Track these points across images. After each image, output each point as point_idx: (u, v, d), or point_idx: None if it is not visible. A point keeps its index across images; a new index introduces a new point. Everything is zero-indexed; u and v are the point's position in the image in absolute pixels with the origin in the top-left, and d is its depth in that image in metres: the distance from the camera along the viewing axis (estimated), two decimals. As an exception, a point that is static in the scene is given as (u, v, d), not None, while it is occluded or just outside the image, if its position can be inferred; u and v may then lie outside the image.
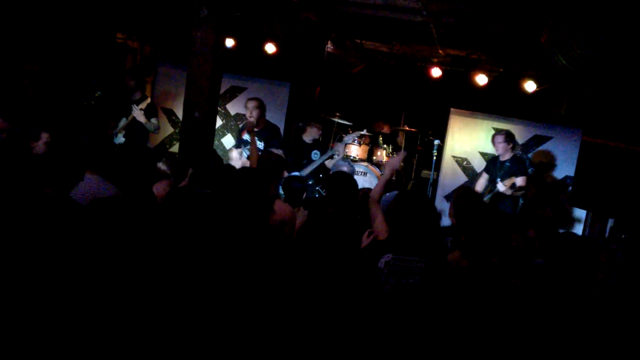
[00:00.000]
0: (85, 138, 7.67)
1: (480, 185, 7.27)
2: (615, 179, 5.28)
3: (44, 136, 5.31)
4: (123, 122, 7.36)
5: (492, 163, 7.26)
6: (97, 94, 7.87)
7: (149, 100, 7.47)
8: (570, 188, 7.64)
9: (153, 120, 7.39)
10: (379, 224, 3.82)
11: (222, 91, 8.37)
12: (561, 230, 7.26)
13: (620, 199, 5.30)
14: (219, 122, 8.74)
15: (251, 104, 7.01)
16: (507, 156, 7.05)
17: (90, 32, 8.50)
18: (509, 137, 7.06)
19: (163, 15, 8.14)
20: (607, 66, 4.13)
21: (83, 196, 3.65)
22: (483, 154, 8.17)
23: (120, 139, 7.36)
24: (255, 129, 6.86)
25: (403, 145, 9.32)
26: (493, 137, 7.19)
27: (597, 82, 5.24)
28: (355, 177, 6.79)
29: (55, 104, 7.90)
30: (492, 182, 7.06)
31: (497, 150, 7.13)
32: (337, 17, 7.47)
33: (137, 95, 7.43)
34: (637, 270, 3.91)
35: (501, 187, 6.78)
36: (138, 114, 7.24)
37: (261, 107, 7.02)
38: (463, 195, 4.87)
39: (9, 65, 7.58)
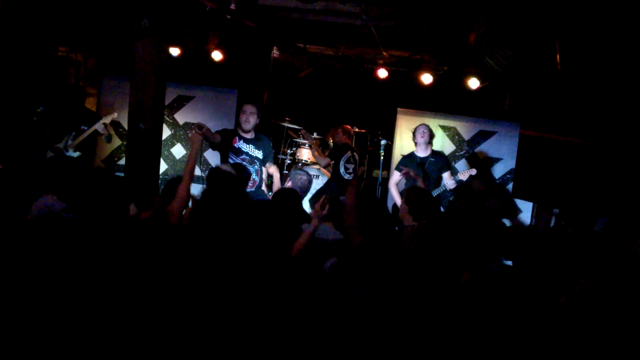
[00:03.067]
0: (25, 155, 7.61)
1: (393, 187, 6.98)
2: (553, 170, 5.46)
3: None
4: (72, 137, 7.29)
5: (410, 161, 6.93)
6: (38, 110, 7.72)
7: (115, 114, 7.46)
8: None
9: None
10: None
11: (168, 101, 8.34)
12: (508, 223, 7.47)
13: (560, 189, 5.48)
14: (167, 132, 8.68)
15: (250, 108, 6.29)
16: (426, 152, 6.87)
17: (31, 45, 8.35)
18: (430, 130, 6.90)
19: (106, 27, 8.06)
20: (527, 66, 4.29)
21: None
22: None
23: (72, 153, 7.28)
24: (248, 136, 6.31)
25: (353, 146, 9.40)
26: (417, 128, 6.91)
27: (524, 79, 5.43)
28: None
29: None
30: (414, 180, 6.61)
31: (417, 139, 6.84)
32: (280, 24, 7.52)
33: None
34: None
35: (450, 183, 6.66)
36: (102, 128, 7.22)
37: (258, 115, 6.36)
38: (415, 193, 4.92)
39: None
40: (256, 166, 6.32)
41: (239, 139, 6.30)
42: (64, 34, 8.72)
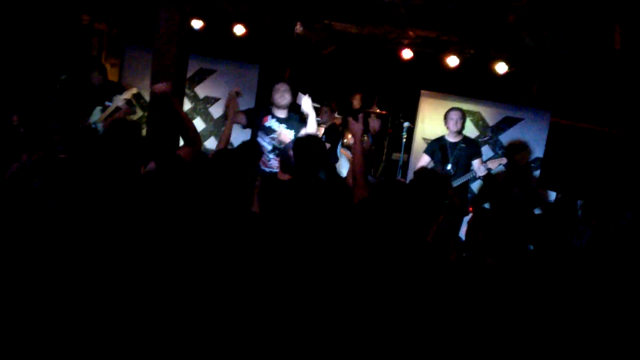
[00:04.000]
0: (55, 127, 7.59)
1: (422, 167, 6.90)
2: (583, 161, 5.30)
3: (14, 119, 5.22)
4: (98, 111, 7.26)
5: (438, 145, 6.81)
6: (62, 77, 7.70)
7: (134, 90, 7.39)
8: (539, 170, 7.68)
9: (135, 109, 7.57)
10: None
11: (190, 74, 8.27)
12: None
13: (589, 180, 5.33)
14: (187, 105, 8.62)
15: (284, 86, 6.04)
16: (457, 137, 6.76)
17: (55, 14, 8.30)
18: (464, 115, 6.77)
19: (129, -3, 7.98)
20: (573, 47, 4.12)
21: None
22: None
23: (102, 129, 7.27)
24: (282, 115, 6.02)
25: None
26: (449, 114, 6.76)
27: (564, 64, 5.25)
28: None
29: (21, 88, 7.74)
30: (441, 165, 6.67)
31: (450, 126, 6.71)
32: (305, -1, 7.37)
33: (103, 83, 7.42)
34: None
35: (481, 170, 6.51)
36: (122, 104, 7.21)
37: (292, 93, 6.03)
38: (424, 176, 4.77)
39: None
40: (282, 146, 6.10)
41: (272, 117, 6.01)
42: (88, 3, 8.65)
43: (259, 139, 5.97)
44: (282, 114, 6.02)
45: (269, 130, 5.97)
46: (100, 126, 7.27)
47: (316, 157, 4.28)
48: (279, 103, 5.96)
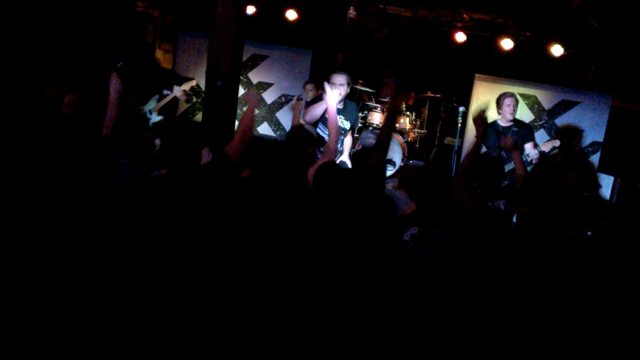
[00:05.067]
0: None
1: None
2: (644, 145, 5.18)
3: (69, 97, 5.31)
4: (154, 100, 7.38)
5: (491, 129, 6.56)
6: (118, 64, 7.86)
7: (194, 82, 7.46)
8: (597, 154, 7.52)
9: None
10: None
11: (243, 59, 8.35)
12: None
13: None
14: (241, 91, 8.70)
15: (340, 79, 5.90)
16: (509, 122, 6.57)
17: (111, 1, 8.48)
18: (516, 100, 6.57)
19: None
20: (636, 29, 4.01)
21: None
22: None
23: (155, 117, 7.41)
24: (338, 107, 5.85)
25: (426, 112, 9.21)
26: (503, 99, 6.56)
27: (627, 47, 5.11)
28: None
29: (79, 75, 7.93)
30: (493, 152, 6.46)
31: (506, 114, 6.53)
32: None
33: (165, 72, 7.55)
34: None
35: (533, 154, 6.31)
36: (181, 95, 7.27)
37: (349, 84, 5.95)
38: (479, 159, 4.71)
39: (39, 40, 7.62)
40: (342, 137, 6.02)
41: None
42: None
43: (318, 130, 5.97)
44: (339, 105, 5.92)
45: (326, 122, 5.82)
46: (154, 114, 7.40)
47: None
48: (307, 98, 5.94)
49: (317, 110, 5.82)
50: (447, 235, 3.27)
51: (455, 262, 3.19)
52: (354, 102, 6.33)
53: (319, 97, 6.12)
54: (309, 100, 7.24)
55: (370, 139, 5.24)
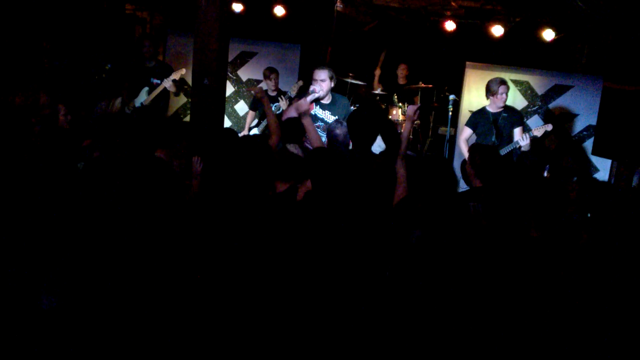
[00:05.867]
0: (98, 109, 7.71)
1: (463, 143, 6.71)
2: (638, 125, 5.11)
3: (61, 108, 5.27)
4: (145, 92, 7.29)
5: (481, 116, 6.61)
6: (107, 67, 7.80)
7: (183, 71, 7.33)
8: (592, 137, 7.45)
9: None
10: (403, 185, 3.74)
11: (232, 57, 8.30)
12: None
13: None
14: (230, 89, 8.65)
15: (321, 74, 5.72)
16: (499, 108, 6.52)
17: (100, 3, 8.44)
18: (508, 89, 6.54)
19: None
20: (626, 8, 3.94)
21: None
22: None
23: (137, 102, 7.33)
24: (324, 102, 5.83)
25: (418, 102, 9.12)
26: (497, 87, 6.46)
27: (616, 27, 5.03)
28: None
29: (68, 78, 7.88)
30: (485, 138, 6.50)
31: (498, 102, 6.47)
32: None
33: (152, 63, 7.35)
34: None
35: (523, 140, 6.26)
36: (170, 85, 7.17)
37: (332, 78, 5.77)
38: (480, 152, 4.62)
39: (28, 45, 7.57)
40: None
41: (316, 105, 5.84)
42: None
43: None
44: (325, 100, 5.84)
45: (315, 119, 5.77)
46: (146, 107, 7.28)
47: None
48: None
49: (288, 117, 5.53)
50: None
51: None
52: (344, 97, 6.20)
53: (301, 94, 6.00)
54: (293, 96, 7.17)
55: (337, 129, 5.03)
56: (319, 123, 5.81)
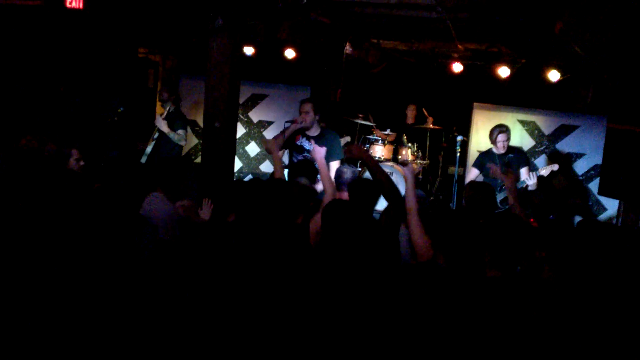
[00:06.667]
0: (114, 154, 7.85)
1: (472, 180, 6.63)
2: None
3: (74, 153, 5.36)
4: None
5: (488, 158, 6.70)
6: (119, 110, 7.97)
7: (170, 108, 7.38)
8: (599, 177, 7.49)
9: (179, 131, 7.27)
10: (421, 240, 3.61)
11: (243, 99, 8.46)
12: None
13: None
14: (242, 131, 8.80)
15: (303, 107, 6.01)
16: (505, 149, 6.65)
17: (113, 48, 8.66)
18: (509, 133, 6.66)
19: (183, 28, 8.23)
20: (620, 52, 4.05)
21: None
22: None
23: (147, 149, 7.41)
24: (311, 133, 6.07)
25: (428, 143, 9.21)
26: (496, 135, 6.64)
27: (617, 69, 5.14)
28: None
29: (81, 122, 8.05)
30: (491, 179, 6.48)
31: (498, 148, 6.65)
32: (353, 19, 7.45)
33: (168, 107, 7.43)
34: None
35: (530, 179, 6.32)
36: (161, 123, 7.21)
37: (315, 110, 6.01)
38: (471, 187, 4.71)
39: (44, 88, 7.77)
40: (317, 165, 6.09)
41: (302, 137, 6.07)
42: (144, 36, 8.97)
43: (293, 158, 6.07)
44: (312, 132, 6.05)
45: (301, 149, 6.04)
46: (149, 147, 7.35)
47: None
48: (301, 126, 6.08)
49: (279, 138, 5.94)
50: None
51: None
52: (333, 132, 6.35)
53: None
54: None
55: (345, 174, 5.15)
56: (305, 154, 6.01)
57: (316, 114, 5.97)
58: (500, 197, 6.33)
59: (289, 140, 6.03)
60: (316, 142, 5.91)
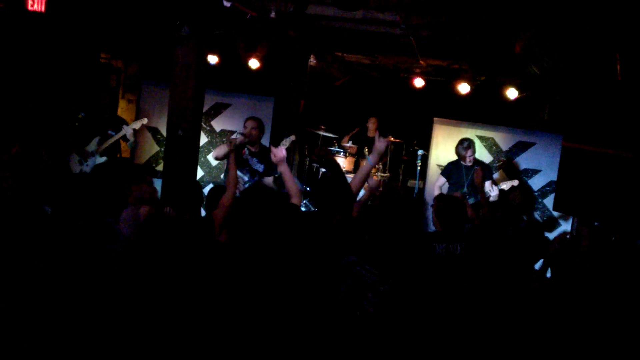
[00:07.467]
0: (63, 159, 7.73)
1: (437, 189, 7.20)
2: (596, 183, 5.33)
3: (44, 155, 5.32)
4: (95, 142, 7.32)
5: (455, 168, 7.13)
6: (80, 116, 7.85)
7: (145, 120, 7.46)
8: (554, 193, 7.70)
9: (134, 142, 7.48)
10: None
11: (206, 108, 8.41)
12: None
13: (603, 202, 5.36)
14: (204, 139, 8.75)
15: (251, 124, 6.41)
16: (472, 162, 7.05)
17: (75, 52, 8.53)
18: (474, 148, 7.08)
19: (147, 35, 8.18)
20: (575, 75, 4.22)
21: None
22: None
23: (98, 159, 7.33)
24: (253, 149, 6.44)
25: (389, 156, 9.35)
26: (464, 151, 7.02)
27: (571, 90, 5.33)
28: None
29: (42, 126, 7.91)
30: (457, 188, 6.99)
31: (466, 162, 7.05)
32: (318, 32, 7.54)
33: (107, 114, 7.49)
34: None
35: (494, 192, 6.73)
36: (130, 133, 7.24)
37: (260, 129, 6.47)
38: (440, 199, 4.84)
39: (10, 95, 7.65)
40: (255, 178, 6.38)
41: (247, 152, 6.42)
42: (106, 41, 8.88)
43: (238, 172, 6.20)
44: (254, 148, 6.42)
45: (244, 163, 6.36)
46: (97, 156, 7.32)
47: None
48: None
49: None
50: (378, 276, 3.29)
51: (385, 302, 3.22)
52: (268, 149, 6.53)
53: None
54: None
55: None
56: (247, 167, 6.36)
57: (261, 132, 6.40)
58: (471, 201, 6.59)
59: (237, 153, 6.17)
60: (256, 158, 6.40)
